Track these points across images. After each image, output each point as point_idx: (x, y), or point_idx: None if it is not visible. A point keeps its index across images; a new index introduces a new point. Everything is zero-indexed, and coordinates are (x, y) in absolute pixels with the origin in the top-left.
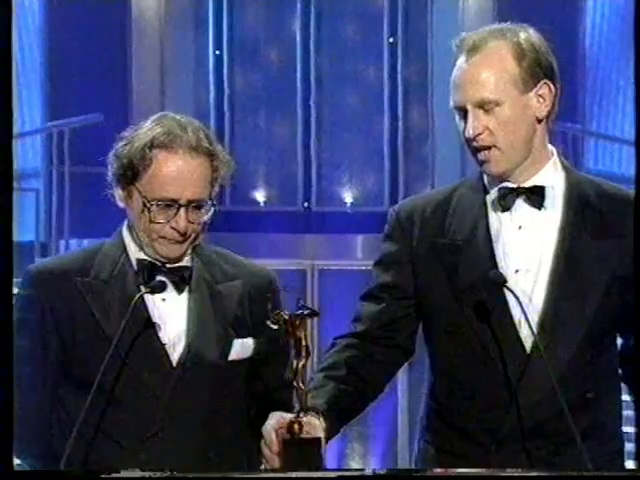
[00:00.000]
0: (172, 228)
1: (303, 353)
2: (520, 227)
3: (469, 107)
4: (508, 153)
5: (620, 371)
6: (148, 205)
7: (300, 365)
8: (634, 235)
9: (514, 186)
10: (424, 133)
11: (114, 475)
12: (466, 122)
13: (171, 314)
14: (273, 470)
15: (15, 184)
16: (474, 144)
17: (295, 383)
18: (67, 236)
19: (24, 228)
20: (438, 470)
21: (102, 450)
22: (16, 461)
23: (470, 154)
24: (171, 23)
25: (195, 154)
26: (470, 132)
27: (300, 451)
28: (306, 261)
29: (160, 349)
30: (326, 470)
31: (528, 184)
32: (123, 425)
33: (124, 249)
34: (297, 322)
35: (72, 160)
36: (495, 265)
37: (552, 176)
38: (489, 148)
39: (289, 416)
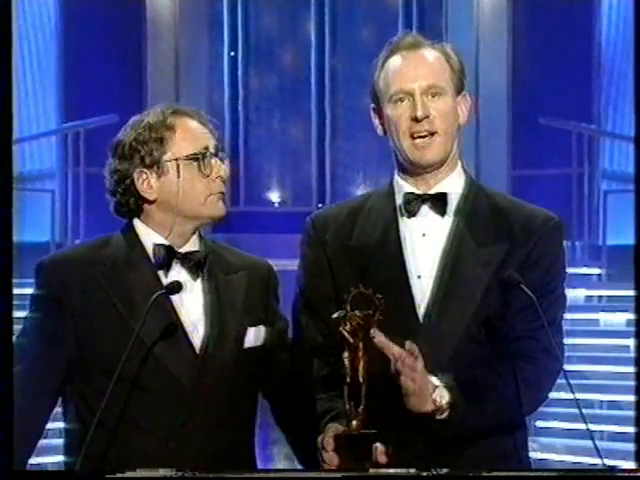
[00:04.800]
0: (218, 177)
1: (361, 352)
2: (424, 234)
3: (417, 91)
4: (445, 143)
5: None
6: (192, 160)
7: (363, 360)
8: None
9: (419, 192)
10: None
11: (119, 475)
12: (414, 105)
13: (188, 302)
14: (285, 470)
15: (30, 185)
16: (417, 128)
17: (360, 379)
18: (83, 237)
19: (39, 229)
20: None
21: (130, 440)
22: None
23: (398, 145)
24: (186, 24)
25: (205, 121)
26: (420, 113)
27: (357, 446)
28: None
29: (183, 336)
30: (328, 470)
31: (433, 191)
32: (150, 414)
33: (137, 238)
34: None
35: (87, 161)
36: (404, 270)
37: (456, 185)
38: (431, 134)
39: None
